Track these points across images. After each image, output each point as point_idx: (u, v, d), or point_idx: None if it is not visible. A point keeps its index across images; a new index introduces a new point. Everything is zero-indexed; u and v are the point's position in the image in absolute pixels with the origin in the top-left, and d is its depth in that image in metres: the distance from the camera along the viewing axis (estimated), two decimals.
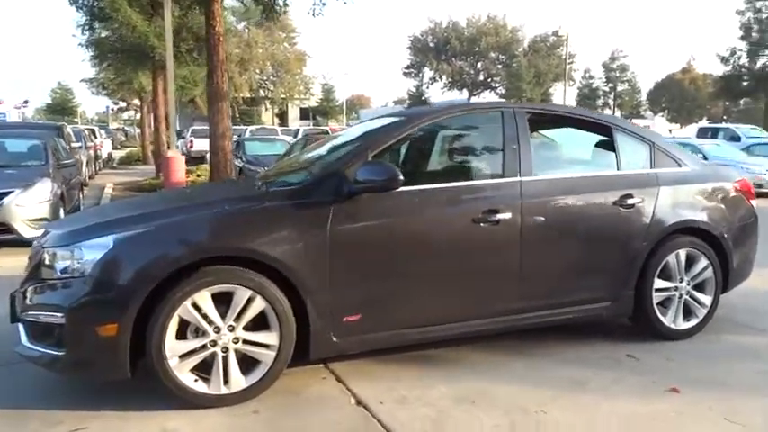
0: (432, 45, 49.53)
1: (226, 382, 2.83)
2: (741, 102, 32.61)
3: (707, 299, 3.87)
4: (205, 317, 2.78)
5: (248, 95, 41.16)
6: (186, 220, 2.85)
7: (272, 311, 2.86)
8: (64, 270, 2.77)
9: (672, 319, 3.77)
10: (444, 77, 50.44)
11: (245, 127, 26.97)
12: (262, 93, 44.30)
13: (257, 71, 42.63)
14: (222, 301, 2.79)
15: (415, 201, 3.14)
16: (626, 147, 3.78)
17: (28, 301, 2.86)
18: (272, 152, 12.88)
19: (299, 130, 26.03)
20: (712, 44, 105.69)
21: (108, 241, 2.75)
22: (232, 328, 2.83)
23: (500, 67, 48.99)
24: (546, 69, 44.43)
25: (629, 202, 3.59)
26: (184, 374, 2.77)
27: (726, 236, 3.87)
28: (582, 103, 48.70)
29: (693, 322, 3.84)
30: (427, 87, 51.79)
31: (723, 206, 3.93)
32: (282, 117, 47.91)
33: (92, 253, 2.73)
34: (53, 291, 2.79)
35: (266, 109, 46.82)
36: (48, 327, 2.77)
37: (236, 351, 2.85)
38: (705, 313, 3.87)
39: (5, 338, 3.18)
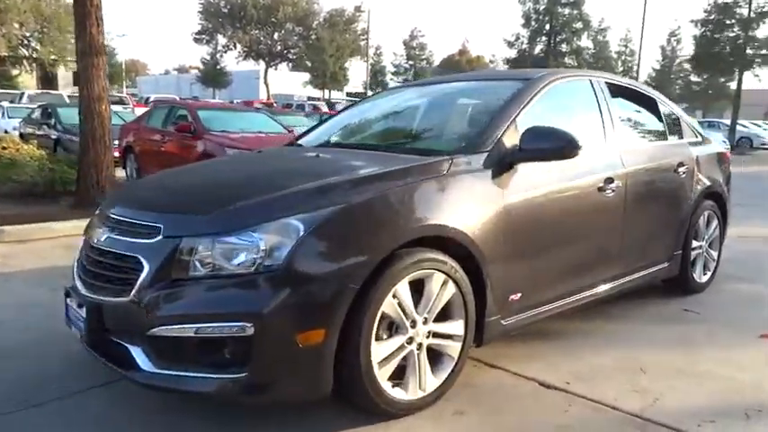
0: (225, 11, 46.93)
1: (420, 384, 2.42)
2: None
3: (715, 254, 4.39)
4: (403, 311, 2.33)
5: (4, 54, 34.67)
6: (378, 198, 2.31)
7: (459, 297, 2.51)
8: (236, 264, 2.08)
9: (699, 275, 4.20)
10: (239, 46, 48.30)
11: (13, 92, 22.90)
12: (24, 51, 37.75)
13: (16, 24, 36.09)
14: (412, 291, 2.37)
15: (564, 170, 2.97)
16: (668, 119, 4.07)
17: (161, 312, 2.10)
18: None
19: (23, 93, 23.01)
20: (487, 28, 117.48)
21: (296, 225, 2.12)
22: (425, 321, 2.42)
23: (296, 38, 48.47)
24: (343, 44, 45.16)
25: (681, 170, 3.87)
26: (385, 382, 2.30)
27: (726, 196, 4.41)
28: (374, 80, 50.69)
29: (708, 275, 4.33)
30: (221, 56, 49.19)
31: (724, 171, 4.46)
32: (51, 81, 41.48)
33: (277, 240, 2.09)
34: (224, 294, 2.08)
35: (27, 71, 40.02)
36: (211, 343, 2.07)
37: (428, 347, 2.45)
38: (715, 266, 4.39)
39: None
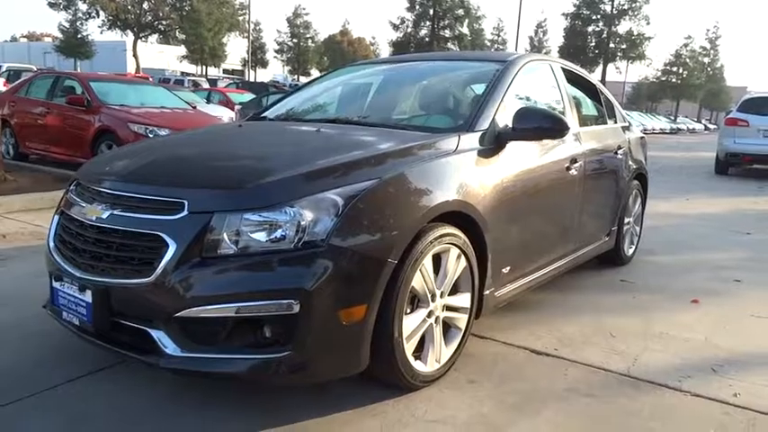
0: None
1: (437, 356, 2.47)
2: None
3: (638, 229, 4.85)
4: (426, 285, 2.36)
5: None
6: (409, 173, 2.28)
7: (468, 271, 2.58)
8: (275, 240, 1.98)
9: (627, 249, 4.62)
10: (103, 14, 44.44)
11: None
12: None
13: None
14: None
15: (541, 149, 3.13)
16: (606, 104, 4.40)
17: (194, 292, 1.95)
18: None
19: None
20: (366, 10, 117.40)
21: (335, 199, 2.06)
22: (441, 295, 2.46)
23: (168, 9, 45.53)
24: (221, 18, 43.14)
25: (620, 152, 4.22)
26: (410, 356, 2.32)
27: (647, 177, 4.87)
28: (253, 57, 49.12)
29: (633, 249, 4.77)
30: (81, 24, 44.92)
31: (645, 153, 4.91)
32: None
33: (317, 215, 2.01)
34: (267, 271, 1.97)
35: None
36: (250, 322, 1.97)
37: (443, 320, 2.50)
38: (637, 240, 4.85)
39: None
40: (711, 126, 58.76)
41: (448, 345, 2.55)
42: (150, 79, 32.36)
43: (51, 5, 43.90)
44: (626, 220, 4.49)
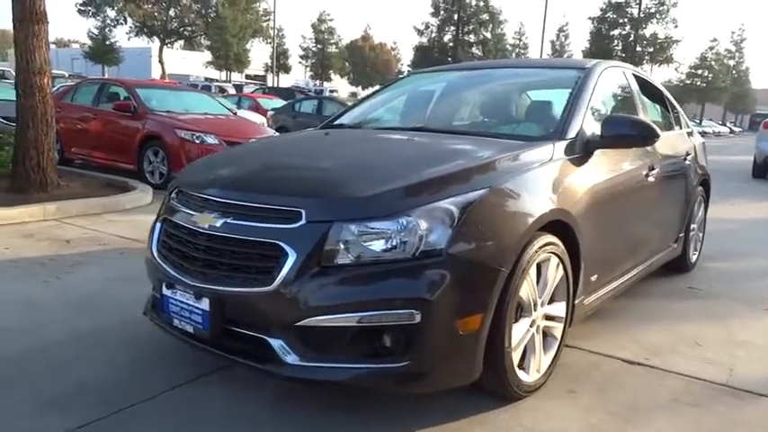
0: None
1: (538, 365, 2.46)
2: None
3: (701, 234, 4.78)
4: (530, 294, 2.35)
5: None
6: (517, 182, 2.29)
7: (564, 279, 2.57)
8: (394, 250, 1.99)
9: (692, 254, 4.56)
10: (131, 20, 45.16)
11: None
12: None
13: None
14: None
15: (624, 157, 3.11)
16: (672, 110, 4.36)
17: (316, 301, 1.97)
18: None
19: None
20: (387, 16, 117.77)
21: (451, 209, 2.06)
22: (542, 304, 2.45)
23: (193, 16, 46.11)
24: (245, 24, 43.57)
25: (688, 158, 4.17)
26: (516, 366, 2.32)
27: (710, 182, 4.81)
28: (276, 63, 49.47)
29: (696, 255, 4.71)
30: (109, 31, 45.67)
31: (706, 159, 4.84)
32: None
33: (434, 224, 2.02)
34: (388, 280, 1.98)
35: None
36: (371, 332, 1.98)
37: (542, 329, 2.49)
38: (700, 246, 4.79)
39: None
40: (737, 129, 57.84)
41: (546, 354, 2.53)
42: (179, 85, 32.89)
43: (81, 12, 44.70)
44: (692, 226, 4.43)
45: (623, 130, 2.82)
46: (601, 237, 2.86)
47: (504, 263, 2.12)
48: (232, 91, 28.14)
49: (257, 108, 17.36)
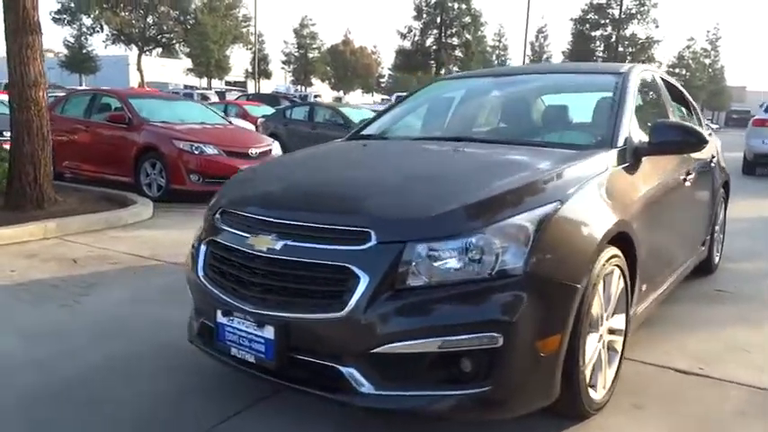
0: None
1: (605, 381, 2.38)
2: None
3: (722, 236, 4.77)
4: (599, 309, 2.27)
5: None
6: (584, 195, 2.23)
7: (624, 290, 2.50)
8: (470, 270, 1.89)
9: (715, 256, 4.54)
10: (107, 28, 44.50)
11: None
12: None
13: None
14: None
15: (666, 163, 3.06)
16: (694, 112, 4.34)
17: (394, 327, 1.87)
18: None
19: None
20: (367, 20, 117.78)
21: (525, 225, 1.97)
22: (607, 318, 2.38)
23: (171, 23, 45.58)
24: (225, 30, 43.17)
25: (713, 161, 4.15)
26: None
27: (730, 183, 4.80)
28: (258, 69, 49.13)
29: (718, 256, 4.69)
30: (85, 39, 44.98)
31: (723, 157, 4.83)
32: None
33: (509, 242, 1.93)
34: (467, 302, 1.88)
35: None
36: (450, 357, 1.88)
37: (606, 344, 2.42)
38: (721, 247, 4.77)
39: None
40: (714, 126, 58.75)
41: (609, 369, 2.46)
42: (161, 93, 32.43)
43: (56, 21, 43.98)
44: (715, 227, 4.41)
45: (673, 137, 2.77)
46: (651, 245, 2.80)
47: (580, 279, 2.05)
48: (215, 98, 27.75)
49: (245, 115, 17.13)
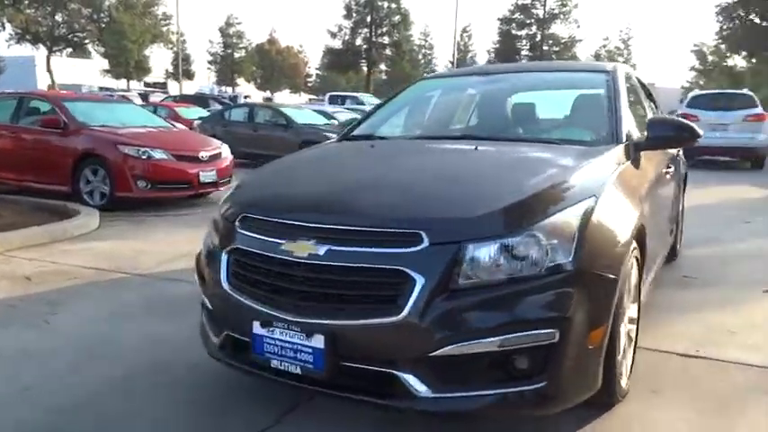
0: None
1: (628, 369, 2.46)
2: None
3: (682, 224, 5.04)
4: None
5: None
6: (616, 188, 2.31)
7: (638, 281, 2.58)
8: (523, 267, 1.89)
9: (678, 244, 4.79)
10: (10, 27, 41.68)
11: None
12: None
13: None
14: None
15: (655, 157, 3.19)
16: (659, 109, 4.56)
17: (453, 329, 1.84)
18: None
19: None
20: (292, 18, 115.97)
21: (569, 220, 1.99)
22: (627, 308, 2.45)
23: (84, 21, 43.26)
24: (144, 29, 41.44)
25: (679, 155, 4.39)
26: None
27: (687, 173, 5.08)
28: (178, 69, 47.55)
29: (679, 243, 4.95)
30: None
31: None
32: None
33: (557, 238, 1.94)
34: (523, 300, 1.88)
35: None
36: (507, 355, 1.88)
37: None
38: (681, 234, 5.04)
39: None
40: None
41: (627, 357, 2.53)
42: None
43: None
44: (679, 217, 4.65)
45: (669, 132, 2.89)
46: (651, 236, 2.91)
47: (618, 271, 2.10)
48: (138, 100, 26.56)
49: (176, 118, 16.47)
